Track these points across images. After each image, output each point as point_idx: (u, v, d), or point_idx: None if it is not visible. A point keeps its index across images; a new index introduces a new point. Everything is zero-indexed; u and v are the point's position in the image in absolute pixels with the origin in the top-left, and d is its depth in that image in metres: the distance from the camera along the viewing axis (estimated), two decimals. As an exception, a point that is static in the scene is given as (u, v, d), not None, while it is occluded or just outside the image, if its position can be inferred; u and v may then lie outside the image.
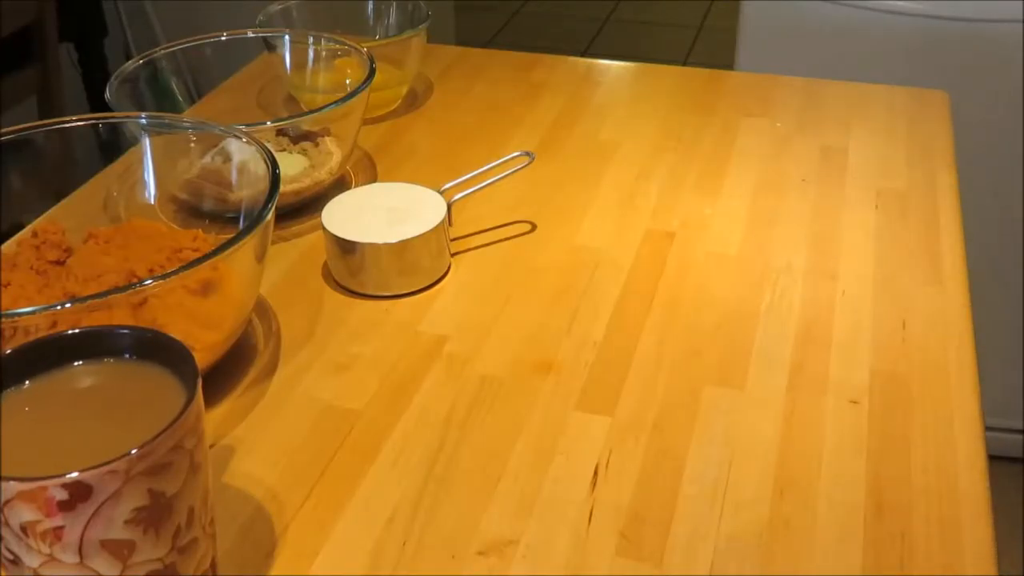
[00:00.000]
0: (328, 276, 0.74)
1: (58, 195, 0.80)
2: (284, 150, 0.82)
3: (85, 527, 0.41)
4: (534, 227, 0.79)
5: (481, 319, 0.69)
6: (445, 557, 0.53)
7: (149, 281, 0.56)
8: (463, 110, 0.97)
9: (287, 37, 0.95)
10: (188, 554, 0.45)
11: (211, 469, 0.47)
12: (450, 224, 0.74)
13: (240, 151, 0.72)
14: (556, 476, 0.57)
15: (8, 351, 0.46)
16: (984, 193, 1.38)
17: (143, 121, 0.76)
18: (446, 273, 0.74)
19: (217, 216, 0.76)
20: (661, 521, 0.55)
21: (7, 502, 0.40)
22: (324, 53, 0.93)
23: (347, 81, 0.91)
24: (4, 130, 0.68)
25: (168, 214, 0.77)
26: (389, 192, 0.76)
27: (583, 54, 2.91)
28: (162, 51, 0.86)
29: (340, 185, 0.84)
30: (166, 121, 0.77)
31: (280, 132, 0.83)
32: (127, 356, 0.48)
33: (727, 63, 1.50)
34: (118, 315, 0.56)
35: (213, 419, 0.62)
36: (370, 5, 1.04)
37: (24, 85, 1.76)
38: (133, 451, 0.40)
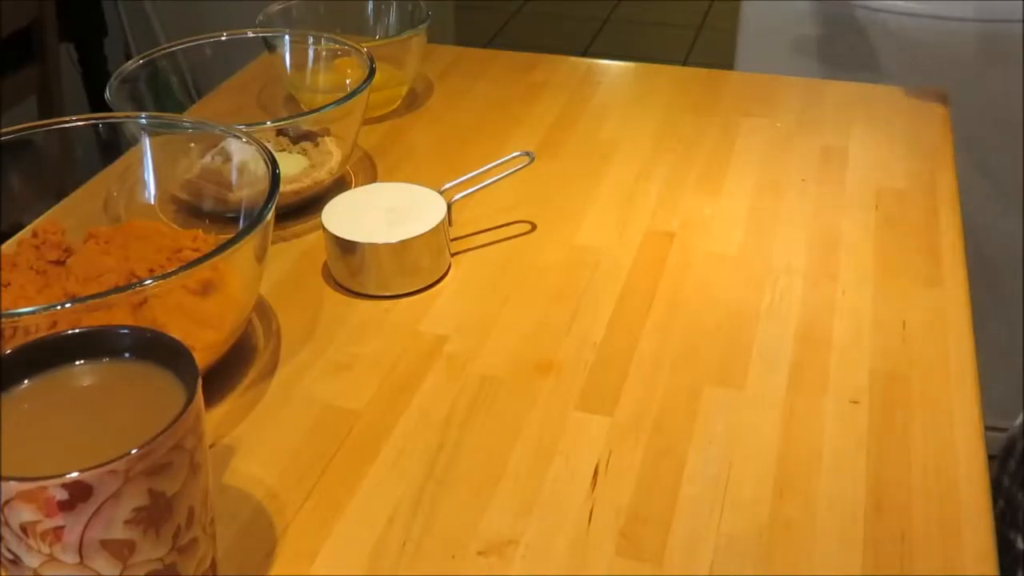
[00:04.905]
0: (328, 276, 0.74)
1: (58, 195, 0.80)
2: (284, 150, 0.82)
3: (85, 527, 0.41)
4: (534, 227, 0.79)
5: (481, 319, 0.69)
6: (445, 557, 0.53)
7: (149, 281, 0.56)
8: (463, 110, 0.97)
9: (287, 37, 0.94)
10: (188, 554, 0.45)
11: (211, 469, 0.47)
12: (450, 224, 0.74)
13: (240, 151, 0.72)
14: (556, 476, 0.57)
15: (8, 351, 0.46)
16: (984, 193, 1.38)
17: (143, 121, 0.76)
18: (446, 273, 0.74)
19: (217, 216, 0.76)
20: (661, 521, 0.54)
21: (7, 502, 0.40)
22: (324, 53, 0.93)
23: (347, 81, 0.91)
24: (4, 130, 0.68)
25: (168, 214, 0.77)
26: (389, 192, 0.76)
27: (583, 54, 2.91)
28: (162, 51, 0.86)
29: (340, 185, 0.84)
30: (166, 121, 0.77)
31: (280, 132, 0.83)
32: (127, 356, 0.48)
33: (727, 63, 1.50)
34: (118, 315, 0.56)
35: (213, 419, 0.62)
36: (370, 5, 1.04)
37: (24, 85, 1.76)
38: (133, 451, 0.41)
